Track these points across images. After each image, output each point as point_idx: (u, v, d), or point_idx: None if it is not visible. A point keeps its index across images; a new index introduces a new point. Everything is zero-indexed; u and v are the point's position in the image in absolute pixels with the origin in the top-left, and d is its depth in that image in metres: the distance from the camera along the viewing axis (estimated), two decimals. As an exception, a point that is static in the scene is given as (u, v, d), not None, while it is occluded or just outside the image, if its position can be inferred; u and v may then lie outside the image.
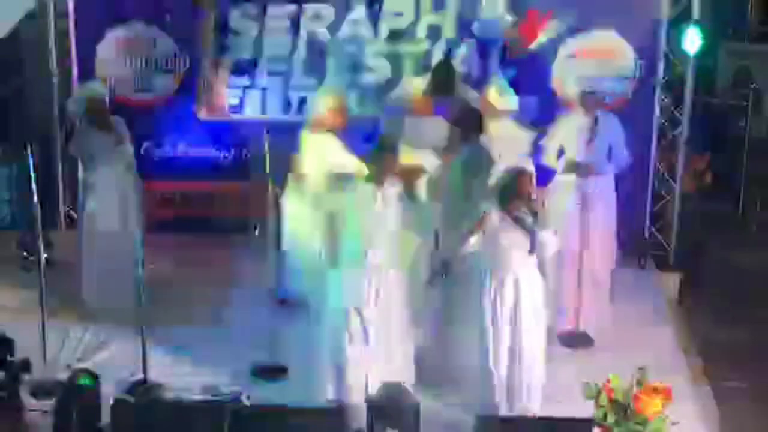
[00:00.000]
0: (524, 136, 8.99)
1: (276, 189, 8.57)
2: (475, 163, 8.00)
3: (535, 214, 7.28)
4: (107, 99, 9.00)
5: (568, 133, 8.79)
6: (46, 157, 10.26)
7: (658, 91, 10.19)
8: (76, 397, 7.09)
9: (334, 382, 7.55)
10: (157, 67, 10.49)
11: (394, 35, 10.35)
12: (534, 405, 7.49)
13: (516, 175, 7.30)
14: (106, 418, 7.07)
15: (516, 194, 7.30)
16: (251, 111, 10.51)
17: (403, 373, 7.59)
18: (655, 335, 8.88)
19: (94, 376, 7.31)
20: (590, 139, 8.65)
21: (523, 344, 7.38)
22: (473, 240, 7.39)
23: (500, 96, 8.89)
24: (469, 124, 8.18)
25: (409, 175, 7.79)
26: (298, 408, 7.27)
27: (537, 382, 7.49)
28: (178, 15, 10.39)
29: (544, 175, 8.92)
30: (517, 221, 7.29)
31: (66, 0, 10.30)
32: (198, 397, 7.79)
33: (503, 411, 7.42)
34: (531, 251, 7.31)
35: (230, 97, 10.55)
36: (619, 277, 9.21)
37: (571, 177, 8.75)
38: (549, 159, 8.87)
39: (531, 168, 7.39)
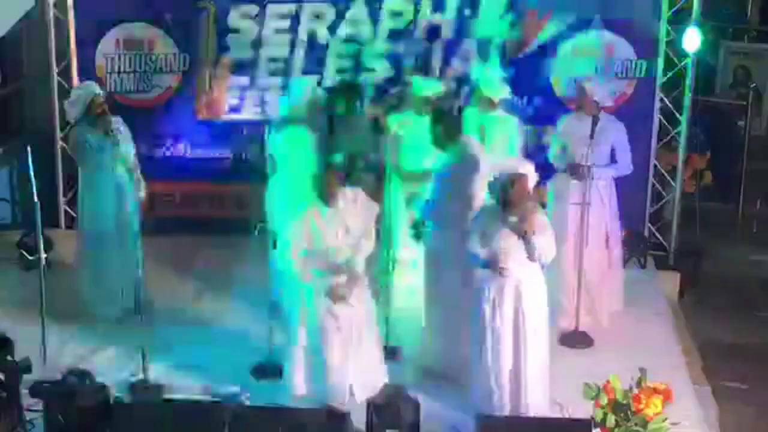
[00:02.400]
0: (516, 127, 9.02)
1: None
2: (463, 162, 8.00)
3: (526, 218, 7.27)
4: (106, 99, 8.99)
5: (569, 134, 8.80)
6: (46, 157, 10.25)
7: (658, 91, 10.19)
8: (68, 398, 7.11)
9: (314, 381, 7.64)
10: (157, 67, 10.49)
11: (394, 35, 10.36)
12: (539, 407, 7.49)
13: (510, 179, 7.29)
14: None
15: (511, 198, 7.30)
16: (251, 111, 10.50)
17: (377, 374, 7.65)
18: (655, 335, 8.88)
19: (88, 376, 7.30)
20: (590, 139, 8.64)
21: (525, 347, 7.38)
22: (473, 239, 7.40)
23: (491, 85, 8.91)
24: (448, 123, 8.16)
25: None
26: (297, 408, 7.29)
27: (540, 385, 7.49)
28: (178, 15, 10.39)
29: (545, 175, 8.94)
30: (513, 225, 7.30)
31: (66, 0, 10.30)
32: (198, 397, 7.79)
33: (504, 413, 7.41)
34: (528, 257, 7.31)
35: (230, 97, 10.55)
36: (620, 277, 9.20)
37: (572, 177, 8.76)
38: (553, 158, 8.89)
39: (528, 169, 7.38)
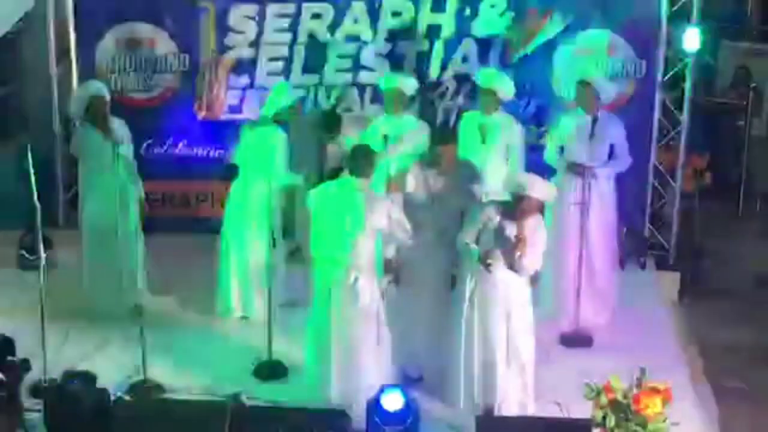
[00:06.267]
0: (519, 129, 9.00)
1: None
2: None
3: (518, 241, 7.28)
4: (107, 99, 9.00)
5: (568, 133, 8.79)
6: (46, 157, 10.25)
7: (658, 91, 10.19)
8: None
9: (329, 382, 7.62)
10: (157, 67, 10.49)
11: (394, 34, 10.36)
12: (527, 406, 7.52)
13: (519, 198, 7.31)
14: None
15: (515, 214, 7.30)
16: (251, 111, 10.50)
17: (382, 374, 7.61)
18: (655, 335, 8.88)
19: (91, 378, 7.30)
20: (590, 138, 8.64)
21: (505, 348, 7.40)
22: (467, 231, 7.41)
23: (501, 83, 8.89)
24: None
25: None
26: (298, 408, 7.28)
27: (526, 383, 7.51)
28: (178, 15, 10.40)
29: (544, 174, 8.95)
30: (509, 240, 7.32)
31: (66, 0, 10.30)
32: (198, 397, 7.79)
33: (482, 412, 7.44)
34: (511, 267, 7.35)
35: (230, 97, 10.55)
36: (619, 277, 9.20)
37: (571, 176, 8.75)
38: (549, 158, 8.89)
39: (545, 191, 7.38)
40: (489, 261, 7.30)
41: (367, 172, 7.51)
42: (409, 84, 9.17)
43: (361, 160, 7.52)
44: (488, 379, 7.46)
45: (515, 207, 7.32)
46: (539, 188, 7.35)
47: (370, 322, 7.51)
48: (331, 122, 9.37)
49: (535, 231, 7.34)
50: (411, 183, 7.87)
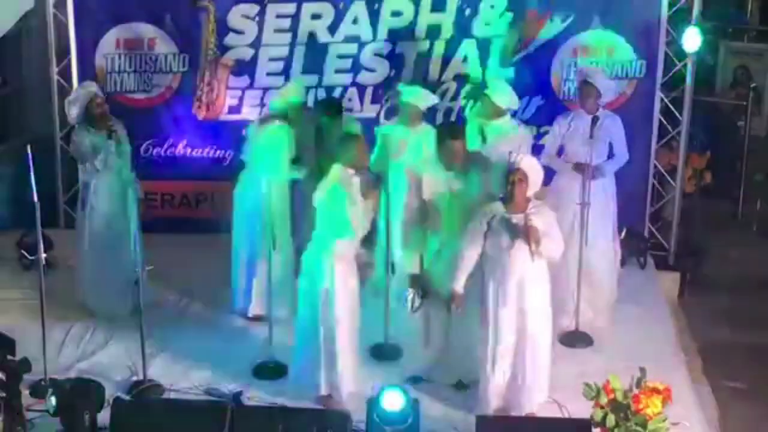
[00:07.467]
0: (525, 135, 9.00)
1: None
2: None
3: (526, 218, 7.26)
4: (106, 99, 9.00)
5: (568, 132, 8.79)
6: (46, 158, 10.25)
7: (658, 91, 10.19)
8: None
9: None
10: (157, 67, 10.49)
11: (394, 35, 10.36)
12: (534, 405, 7.51)
13: (510, 173, 7.29)
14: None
15: (512, 194, 7.29)
16: (250, 111, 10.50)
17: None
18: (655, 335, 8.88)
19: None
20: (590, 138, 8.64)
21: (526, 347, 7.39)
22: (471, 249, 7.40)
23: (501, 94, 8.88)
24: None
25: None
26: (297, 408, 7.29)
27: (540, 384, 7.51)
28: (178, 15, 10.40)
29: (545, 175, 8.94)
30: (516, 224, 7.29)
31: (66, 0, 10.30)
32: (198, 397, 7.79)
33: (502, 411, 7.43)
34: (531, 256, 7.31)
35: (230, 97, 10.55)
36: (619, 277, 9.20)
37: (572, 176, 8.75)
38: (549, 158, 8.88)
39: (529, 166, 7.35)
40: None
41: (345, 158, 7.63)
42: (428, 100, 9.14)
43: (342, 147, 7.71)
44: (512, 380, 7.47)
45: (511, 187, 7.27)
46: (528, 162, 7.33)
47: (344, 307, 7.58)
48: (329, 107, 9.35)
49: (541, 216, 7.32)
50: (427, 189, 7.90)
